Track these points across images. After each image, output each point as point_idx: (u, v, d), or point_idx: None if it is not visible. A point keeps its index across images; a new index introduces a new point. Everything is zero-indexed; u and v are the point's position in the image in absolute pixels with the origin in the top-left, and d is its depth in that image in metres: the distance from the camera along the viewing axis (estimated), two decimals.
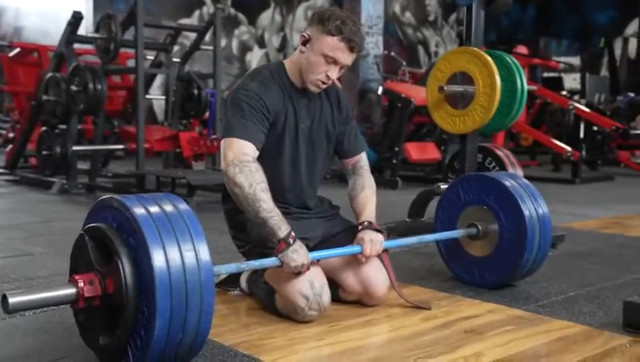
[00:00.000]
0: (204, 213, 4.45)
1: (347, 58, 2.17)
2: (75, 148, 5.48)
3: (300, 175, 2.32)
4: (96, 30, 5.39)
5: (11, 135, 7.79)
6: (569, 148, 6.92)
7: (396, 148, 6.50)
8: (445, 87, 3.38)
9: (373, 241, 2.22)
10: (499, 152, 3.64)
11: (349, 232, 2.36)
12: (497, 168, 3.60)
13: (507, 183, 2.55)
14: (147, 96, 6.81)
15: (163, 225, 1.62)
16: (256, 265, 1.98)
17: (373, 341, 2.05)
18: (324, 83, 2.21)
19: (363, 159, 2.46)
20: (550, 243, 2.58)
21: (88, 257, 1.68)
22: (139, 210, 1.63)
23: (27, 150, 6.72)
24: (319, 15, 2.17)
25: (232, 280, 2.49)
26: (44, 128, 5.99)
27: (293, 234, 2.04)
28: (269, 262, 2.00)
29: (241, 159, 2.06)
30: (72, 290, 1.63)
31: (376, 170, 6.79)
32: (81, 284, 1.63)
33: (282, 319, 2.17)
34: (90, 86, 5.30)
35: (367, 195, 2.37)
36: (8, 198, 5.35)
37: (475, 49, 3.42)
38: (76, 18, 5.76)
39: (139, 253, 1.59)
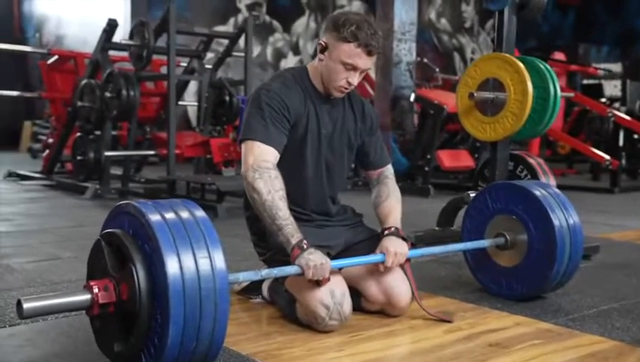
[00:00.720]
0: (233, 218, 4.45)
1: (366, 62, 2.13)
2: (107, 153, 5.55)
3: (321, 180, 2.28)
4: (130, 37, 5.46)
5: (51, 140, 7.93)
6: (607, 157, 6.75)
7: (428, 156, 6.42)
8: (475, 94, 3.31)
9: (397, 254, 2.17)
10: (531, 160, 3.55)
11: (372, 240, 2.31)
12: (529, 176, 3.51)
13: (537, 192, 2.48)
14: (180, 103, 6.89)
15: (178, 231, 1.60)
16: (275, 273, 1.95)
17: (394, 353, 2.00)
18: (346, 88, 2.19)
19: (389, 169, 2.43)
20: (581, 254, 2.49)
21: (104, 263, 1.67)
22: (154, 217, 1.61)
23: (63, 155, 6.83)
24: (333, 22, 2.12)
25: (255, 287, 2.47)
26: (78, 134, 6.08)
27: (306, 241, 2.00)
28: (290, 269, 1.96)
29: (262, 165, 2.04)
30: (86, 296, 1.62)
31: (408, 177, 6.78)
32: (96, 290, 1.62)
33: (303, 328, 2.13)
34: (124, 92, 5.37)
35: (392, 203, 2.34)
36: (43, 203, 5.44)
37: (507, 55, 3.35)
38: (111, 26, 5.84)
39: (153, 260, 1.58)
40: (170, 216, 1.64)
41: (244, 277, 1.89)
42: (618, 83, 10.63)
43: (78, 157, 5.97)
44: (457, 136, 7.97)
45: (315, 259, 1.96)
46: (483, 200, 2.63)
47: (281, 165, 2.10)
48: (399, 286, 2.24)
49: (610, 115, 7.18)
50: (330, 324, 2.07)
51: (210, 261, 1.60)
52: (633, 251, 3.69)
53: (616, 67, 13.62)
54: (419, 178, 6.61)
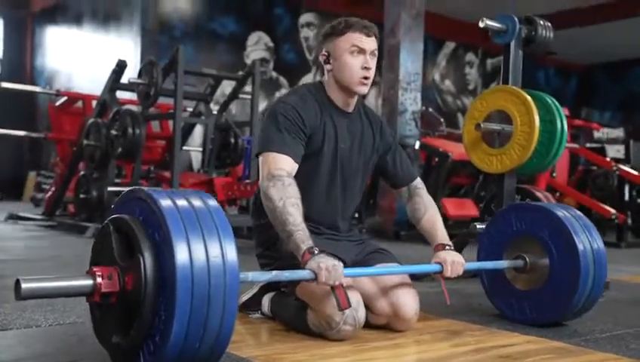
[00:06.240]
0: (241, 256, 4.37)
1: (370, 43, 2.19)
2: (110, 188, 5.51)
3: (335, 195, 2.27)
4: (139, 77, 5.50)
5: (54, 188, 7.82)
6: (613, 211, 6.71)
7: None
8: (482, 125, 3.31)
9: (455, 263, 2.17)
10: (538, 193, 3.53)
11: (379, 253, 2.30)
12: None
13: (560, 214, 2.38)
14: (185, 148, 6.87)
15: (190, 220, 1.52)
16: (287, 276, 1.87)
17: (402, 361, 1.92)
18: (366, 78, 2.19)
19: (418, 180, 2.42)
20: (604, 282, 2.40)
21: (111, 250, 1.60)
22: (165, 203, 1.54)
23: (66, 197, 6.75)
24: (324, 32, 2.23)
25: (254, 303, 2.41)
26: (82, 173, 6.07)
27: (316, 248, 1.94)
28: (302, 273, 1.88)
29: (275, 173, 2.02)
30: (88, 282, 1.55)
31: (412, 226, 6.71)
32: (99, 279, 1.54)
33: (306, 337, 2.08)
34: (129, 130, 5.37)
35: (433, 215, 2.35)
36: (43, 240, 5.37)
37: (513, 87, 3.36)
38: (120, 66, 5.92)
39: (162, 250, 1.50)
40: (182, 203, 1.57)
41: (255, 277, 1.81)
42: (620, 148, 10.65)
43: (81, 196, 5.93)
44: (462, 189, 7.94)
45: (327, 261, 1.89)
46: (502, 221, 2.55)
47: (296, 177, 2.07)
48: (407, 298, 2.18)
49: (615, 168, 7.16)
50: (343, 330, 2.00)
51: (222, 254, 1.52)
52: None
53: (619, 132, 13.71)
54: None
